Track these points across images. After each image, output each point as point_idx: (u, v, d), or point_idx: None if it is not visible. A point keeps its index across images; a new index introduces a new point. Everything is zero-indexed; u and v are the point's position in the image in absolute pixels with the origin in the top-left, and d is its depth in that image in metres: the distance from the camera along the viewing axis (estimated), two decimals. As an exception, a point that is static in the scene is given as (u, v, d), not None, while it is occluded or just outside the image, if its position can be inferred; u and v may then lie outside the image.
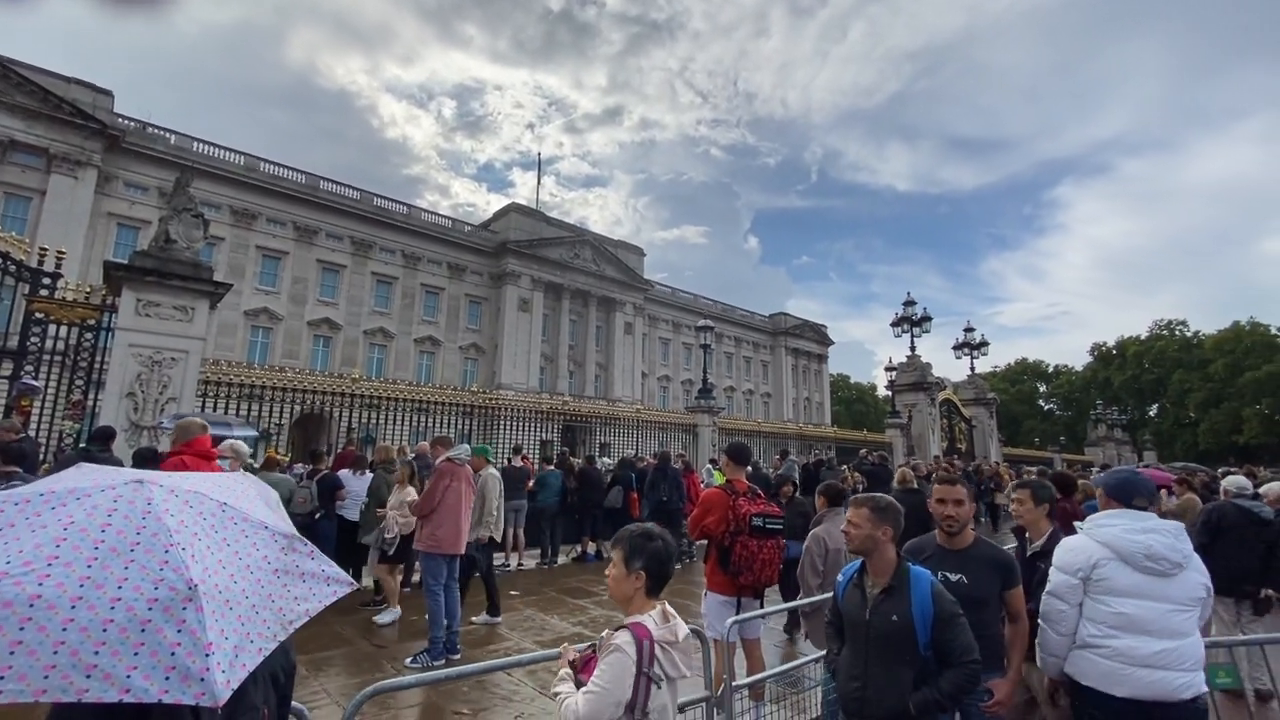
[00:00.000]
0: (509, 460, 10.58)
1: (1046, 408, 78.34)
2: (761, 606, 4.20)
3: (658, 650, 1.90)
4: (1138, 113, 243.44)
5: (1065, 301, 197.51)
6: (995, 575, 2.83)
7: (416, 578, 7.01)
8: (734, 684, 3.48)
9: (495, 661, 2.90)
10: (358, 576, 7.12)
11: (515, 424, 14.22)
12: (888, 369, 22.64)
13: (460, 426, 13.41)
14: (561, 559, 10.30)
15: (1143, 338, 69.03)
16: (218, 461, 4.90)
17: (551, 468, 10.88)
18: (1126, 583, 2.56)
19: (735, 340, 59.35)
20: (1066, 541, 2.84)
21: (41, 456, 7.08)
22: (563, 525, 10.62)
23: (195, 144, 33.28)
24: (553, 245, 45.06)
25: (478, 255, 42.99)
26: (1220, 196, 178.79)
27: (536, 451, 14.07)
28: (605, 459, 14.57)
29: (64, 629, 1.03)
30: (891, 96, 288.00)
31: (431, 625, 5.37)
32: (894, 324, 21.14)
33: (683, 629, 2.01)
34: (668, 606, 2.06)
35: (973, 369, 25.42)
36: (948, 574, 2.77)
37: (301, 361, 33.00)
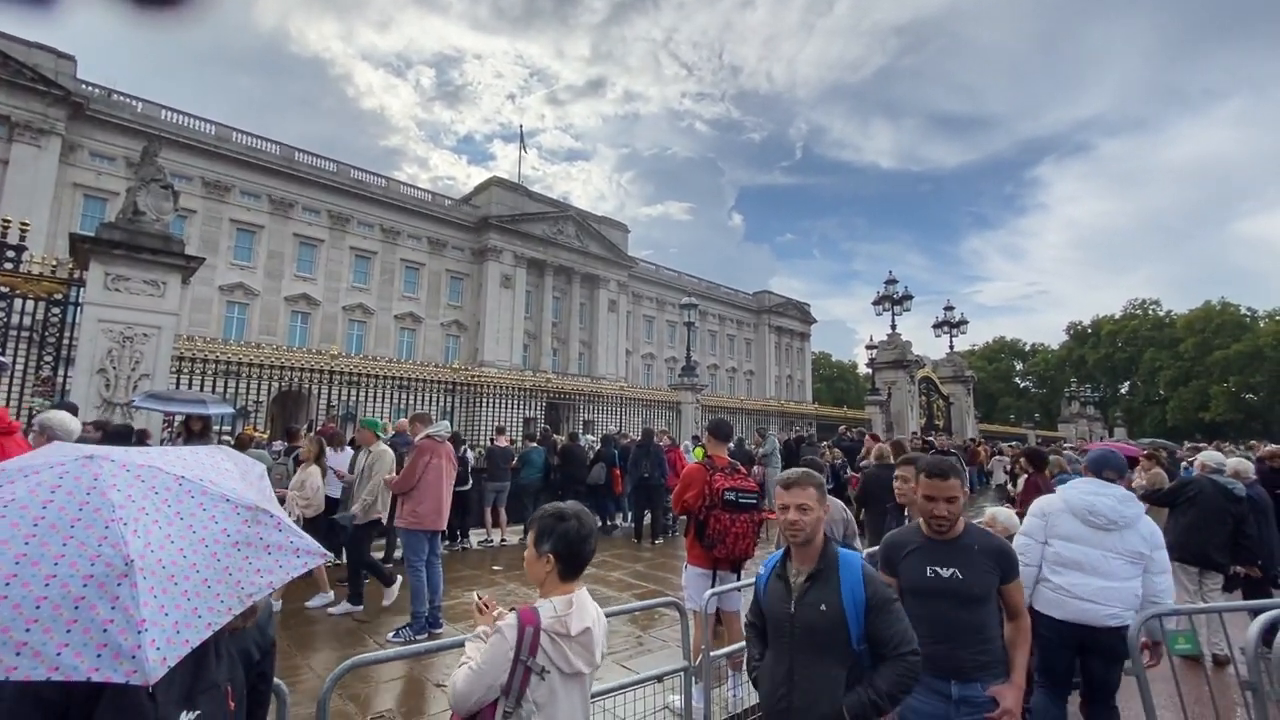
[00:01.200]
0: (491, 440, 10.58)
1: (1023, 385, 79.94)
2: (739, 579, 4.27)
3: (544, 640, 1.80)
4: (1118, 92, 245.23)
5: (1043, 281, 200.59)
6: (993, 567, 2.50)
7: (399, 554, 7.02)
8: (712, 654, 3.56)
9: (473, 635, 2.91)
10: (338, 552, 7.10)
11: (498, 401, 14.15)
12: (869, 347, 22.91)
13: (442, 404, 13.31)
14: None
15: (1116, 317, 70.41)
16: (20, 435, 4.09)
17: (535, 445, 10.90)
18: (1070, 530, 3.25)
19: (719, 318, 59.48)
20: (1042, 498, 3.58)
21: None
22: (546, 502, 10.63)
23: (164, 112, 32.10)
24: (535, 221, 44.48)
25: (459, 230, 42.31)
26: (1196, 177, 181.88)
27: (520, 429, 14.06)
28: (589, 436, 14.60)
29: None
30: (877, 71, 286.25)
31: (414, 600, 5.41)
32: (875, 302, 21.33)
33: (579, 622, 1.85)
34: (580, 594, 1.95)
35: (951, 347, 25.80)
36: (938, 569, 2.49)
37: (279, 338, 32.43)
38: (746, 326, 62.96)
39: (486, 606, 2.10)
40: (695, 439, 13.84)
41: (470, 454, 9.65)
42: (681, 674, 3.32)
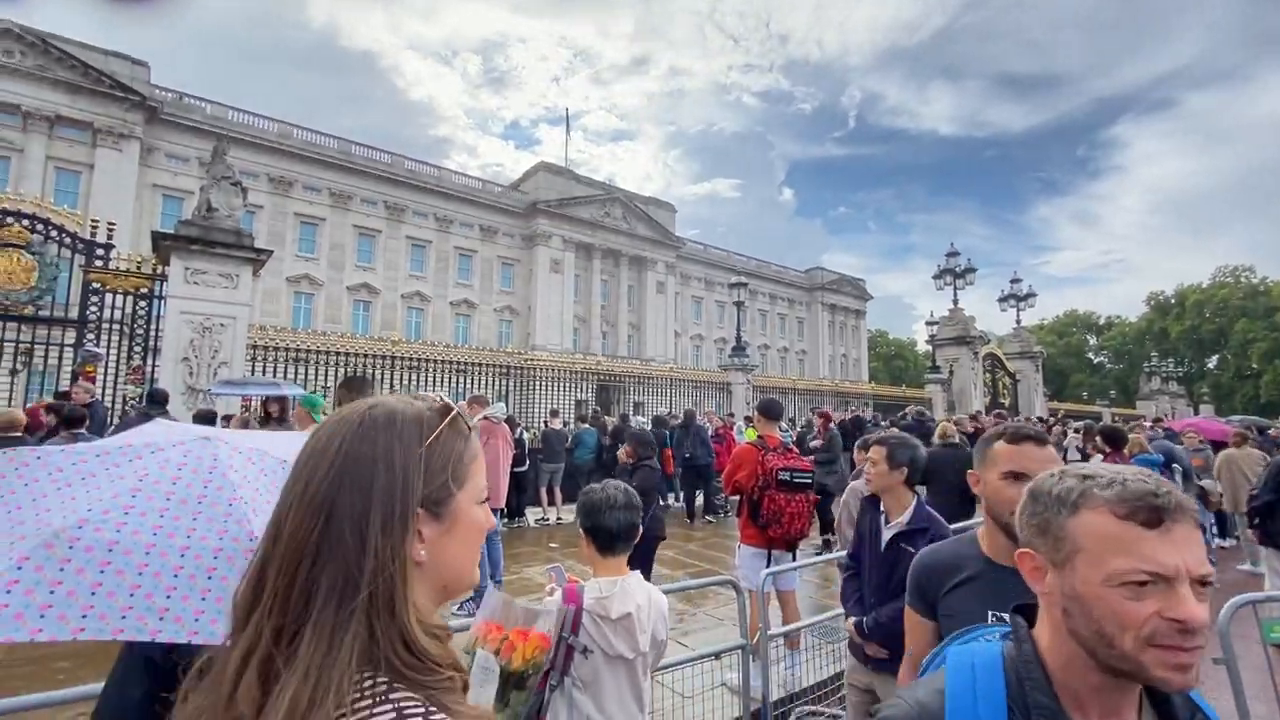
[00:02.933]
0: (546, 422, 10.82)
1: (1096, 361, 75.37)
2: (794, 559, 4.24)
3: (585, 619, 1.78)
4: (1205, 42, 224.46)
5: (1120, 249, 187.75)
6: None
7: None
8: (769, 633, 3.56)
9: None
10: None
11: (550, 384, 14.41)
12: (928, 323, 22.03)
13: (497, 387, 13.68)
14: (598, 514, 10.60)
15: (1204, 286, 65.17)
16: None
17: (587, 426, 11.08)
18: None
19: (770, 297, 58.42)
20: None
21: (109, 420, 7.52)
22: (598, 481, 10.87)
23: (231, 112, 33.71)
24: (583, 204, 44.64)
25: (508, 217, 42.95)
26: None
27: (572, 411, 14.28)
28: (639, 417, 14.73)
29: (139, 573, 1.11)
30: (935, 33, 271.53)
31: None
32: (936, 276, 20.46)
33: (620, 607, 1.80)
34: (629, 578, 1.90)
35: (1018, 322, 24.53)
36: (1002, 615, 1.26)
37: (343, 326, 33.85)
38: (798, 305, 61.64)
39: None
40: (746, 419, 13.73)
41: (525, 435, 9.90)
42: (739, 652, 3.33)
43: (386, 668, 0.59)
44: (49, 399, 7.27)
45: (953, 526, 2.61)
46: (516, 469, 8.99)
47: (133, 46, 29.98)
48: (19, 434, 5.25)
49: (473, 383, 13.12)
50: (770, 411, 4.59)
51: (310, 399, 6.21)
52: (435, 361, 12.65)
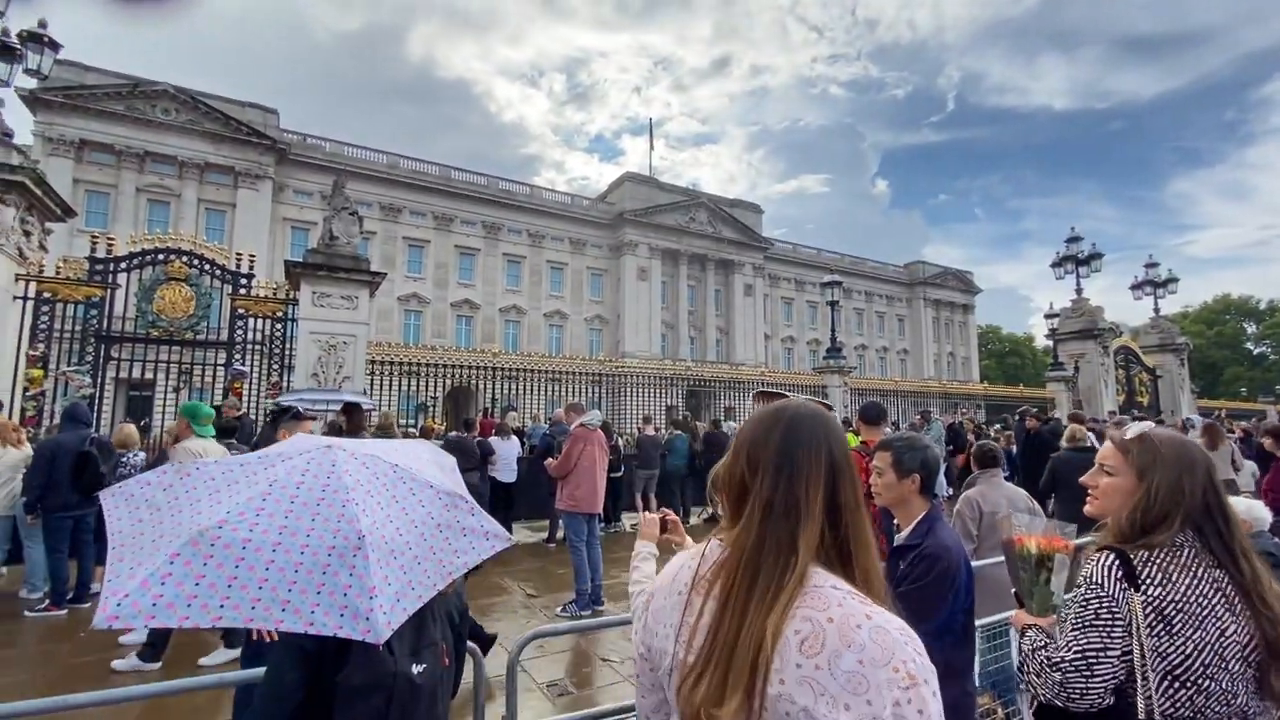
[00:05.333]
0: (639, 429, 10.94)
1: (1256, 351, 65.77)
2: (906, 571, 4.00)
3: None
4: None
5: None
6: None
7: (561, 534, 7.53)
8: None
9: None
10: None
11: (640, 390, 14.57)
12: (1047, 316, 20.15)
13: (590, 394, 14.02)
14: (693, 519, 10.55)
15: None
16: None
17: (679, 432, 11.08)
18: None
19: (866, 295, 55.92)
20: None
21: (254, 430, 8.42)
22: (692, 487, 10.85)
23: (346, 148, 37.07)
24: (667, 211, 44.95)
25: (596, 228, 44.09)
26: None
27: (662, 417, 14.36)
28: (731, 422, 14.53)
29: (266, 568, 1.23)
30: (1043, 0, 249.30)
31: (577, 578, 5.75)
32: (1055, 265, 18.71)
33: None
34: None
35: (1157, 310, 21.90)
36: None
37: (448, 339, 36.11)
38: (898, 302, 58.55)
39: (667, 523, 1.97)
40: (845, 424, 13.18)
41: (620, 441, 10.05)
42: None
43: None
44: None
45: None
46: (613, 475, 9.15)
47: (264, 96, 33.72)
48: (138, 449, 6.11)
49: (566, 391, 13.52)
50: (872, 415, 4.37)
51: (189, 408, 5.44)
52: (531, 371, 13.17)
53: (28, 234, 7.90)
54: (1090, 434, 6.55)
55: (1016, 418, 12.48)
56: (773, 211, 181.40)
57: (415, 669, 1.47)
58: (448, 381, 12.57)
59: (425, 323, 37.74)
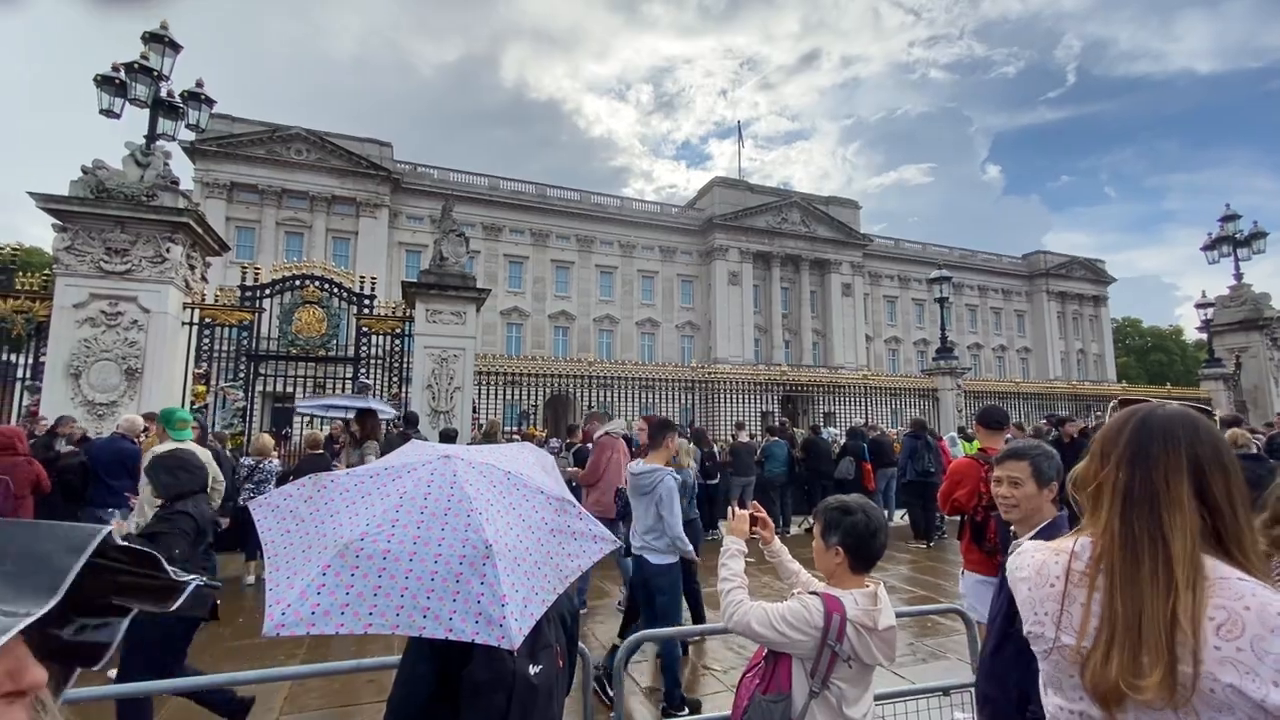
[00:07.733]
0: (733, 436, 10.76)
1: None
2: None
3: (849, 629, 1.82)
4: None
5: None
6: None
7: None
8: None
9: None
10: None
11: (733, 396, 14.37)
12: (1199, 305, 17.78)
13: (682, 401, 14.02)
14: (793, 529, 10.24)
15: None
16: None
17: (775, 439, 10.81)
18: None
19: (979, 289, 52.03)
20: None
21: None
22: (792, 496, 10.54)
23: (451, 174, 39.68)
24: (758, 213, 44.17)
25: (685, 235, 44.20)
26: None
27: (757, 423, 14.09)
28: (830, 429, 13.99)
29: (406, 578, 1.31)
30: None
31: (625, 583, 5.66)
32: (1207, 248, 16.46)
33: (886, 619, 1.88)
34: (881, 590, 1.93)
35: (1345, 294, 18.67)
36: None
37: (546, 350, 37.54)
38: (1016, 296, 53.95)
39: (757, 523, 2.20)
40: (961, 430, 12.30)
41: (715, 449, 9.95)
42: (971, 689, 2.97)
43: None
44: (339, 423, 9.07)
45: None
46: (707, 482, 9.07)
47: (379, 130, 36.91)
48: (320, 451, 6.71)
49: (658, 398, 13.60)
50: (993, 420, 4.05)
51: (164, 414, 5.39)
52: (625, 379, 13.38)
53: (192, 268, 9.09)
54: (1252, 438, 5.69)
55: (1044, 422, 10.57)
56: (871, 206, 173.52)
57: (533, 670, 1.54)
58: (547, 390, 13.05)
59: (525, 334, 39.45)
